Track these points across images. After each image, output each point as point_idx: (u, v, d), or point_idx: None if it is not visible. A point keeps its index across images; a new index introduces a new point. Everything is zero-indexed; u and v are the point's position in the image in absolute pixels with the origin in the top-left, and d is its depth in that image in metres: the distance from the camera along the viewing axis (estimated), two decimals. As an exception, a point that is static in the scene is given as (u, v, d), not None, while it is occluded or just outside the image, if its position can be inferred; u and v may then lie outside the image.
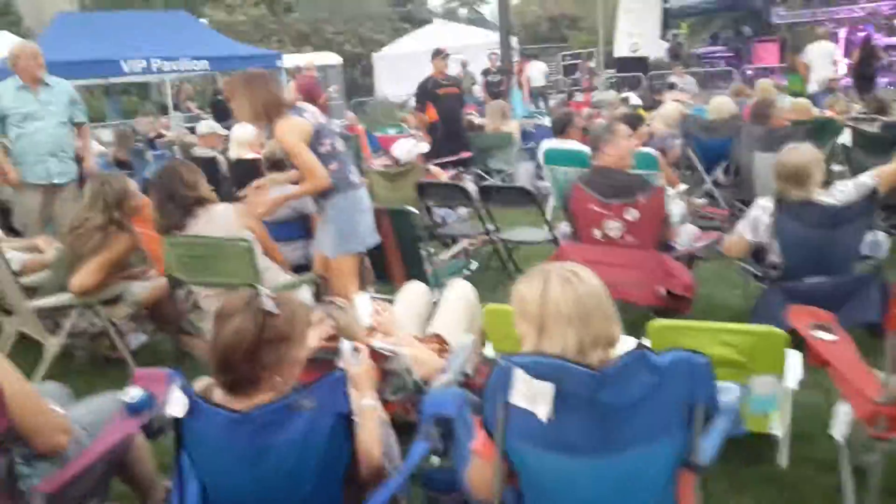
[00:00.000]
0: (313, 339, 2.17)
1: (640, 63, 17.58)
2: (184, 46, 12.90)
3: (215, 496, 1.85)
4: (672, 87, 13.52)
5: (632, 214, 3.60)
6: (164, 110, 14.61)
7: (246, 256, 3.41)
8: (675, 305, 3.51)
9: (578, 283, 1.69)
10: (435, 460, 2.21)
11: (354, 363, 2.21)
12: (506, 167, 8.17)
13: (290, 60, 15.21)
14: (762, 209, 3.40)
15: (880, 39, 16.25)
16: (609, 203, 3.66)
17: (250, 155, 5.65)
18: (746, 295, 3.79)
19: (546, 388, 1.61)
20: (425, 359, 2.65)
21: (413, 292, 3.36)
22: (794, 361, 2.51)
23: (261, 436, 1.73)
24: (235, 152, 5.96)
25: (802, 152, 3.33)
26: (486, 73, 14.99)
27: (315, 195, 3.67)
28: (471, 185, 5.31)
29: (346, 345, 2.27)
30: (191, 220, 3.57)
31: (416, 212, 3.78)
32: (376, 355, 2.45)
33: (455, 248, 4.26)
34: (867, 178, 3.36)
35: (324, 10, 26.84)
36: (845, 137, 5.50)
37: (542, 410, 1.61)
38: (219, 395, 1.82)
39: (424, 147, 6.02)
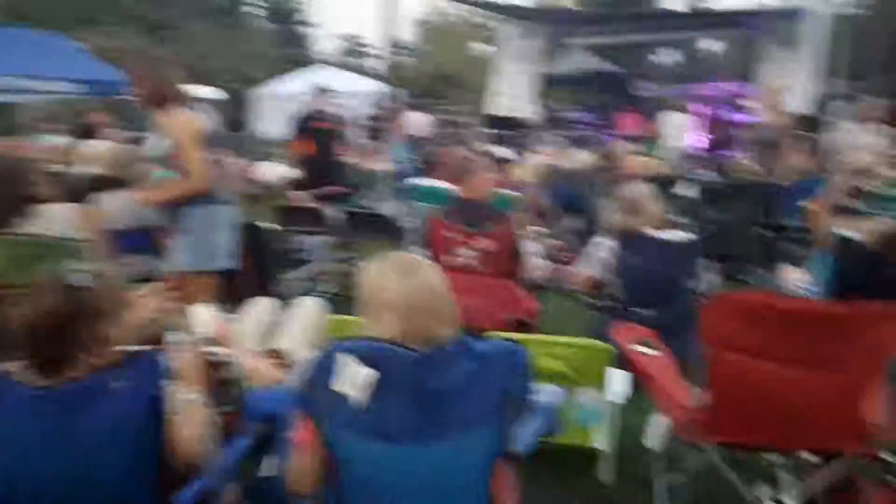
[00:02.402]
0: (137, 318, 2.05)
1: (513, 122, 18.25)
2: (57, 68, 12.13)
3: (14, 484, 1.67)
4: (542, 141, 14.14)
5: (485, 243, 3.71)
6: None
7: (79, 256, 3.21)
8: (520, 331, 3.61)
9: (413, 276, 1.72)
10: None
11: (180, 353, 2.11)
12: (373, 205, 8.22)
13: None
14: (596, 246, 3.63)
15: (732, 115, 17.68)
16: (464, 230, 3.75)
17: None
18: (588, 327, 3.95)
19: (369, 374, 1.61)
20: (261, 370, 2.59)
21: (259, 307, 3.28)
22: (618, 378, 2.63)
23: (66, 415, 1.63)
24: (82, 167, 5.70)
25: (640, 187, 3.60)
26: (370, 118, 15.14)
27: (184, 200, 3.52)
28: (331, 212, 5.28)
29: (172, 335, 2.17)
30: (21, 219, 3.32)
31: (271, 227, 3.69)
32: (211, 364, 2.36)
33: (303, 270, 4.15)
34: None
35: (205, 46, 26.26)
36: (684, 189, 6.00)
37: (362, 396, 1.61)
38: (24, 374, 1.69)
39: (295, 173, 5.95)
